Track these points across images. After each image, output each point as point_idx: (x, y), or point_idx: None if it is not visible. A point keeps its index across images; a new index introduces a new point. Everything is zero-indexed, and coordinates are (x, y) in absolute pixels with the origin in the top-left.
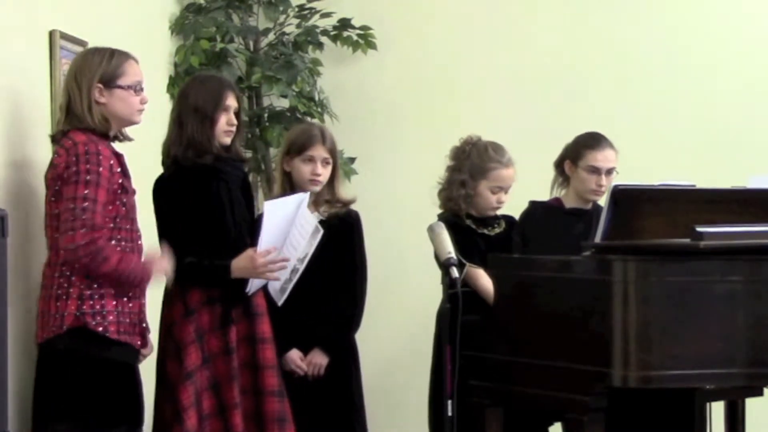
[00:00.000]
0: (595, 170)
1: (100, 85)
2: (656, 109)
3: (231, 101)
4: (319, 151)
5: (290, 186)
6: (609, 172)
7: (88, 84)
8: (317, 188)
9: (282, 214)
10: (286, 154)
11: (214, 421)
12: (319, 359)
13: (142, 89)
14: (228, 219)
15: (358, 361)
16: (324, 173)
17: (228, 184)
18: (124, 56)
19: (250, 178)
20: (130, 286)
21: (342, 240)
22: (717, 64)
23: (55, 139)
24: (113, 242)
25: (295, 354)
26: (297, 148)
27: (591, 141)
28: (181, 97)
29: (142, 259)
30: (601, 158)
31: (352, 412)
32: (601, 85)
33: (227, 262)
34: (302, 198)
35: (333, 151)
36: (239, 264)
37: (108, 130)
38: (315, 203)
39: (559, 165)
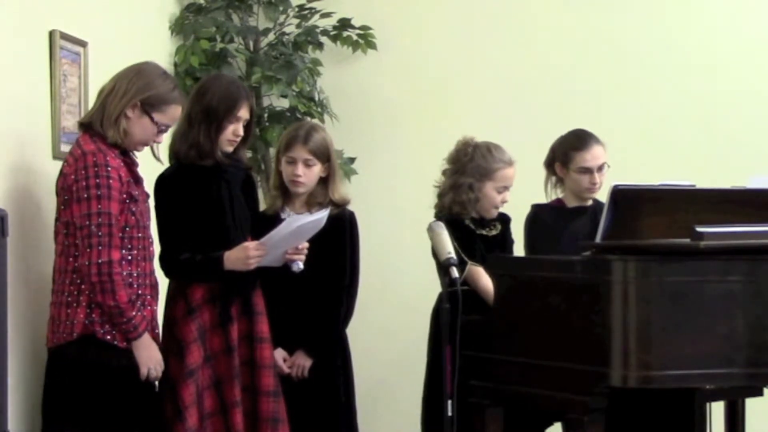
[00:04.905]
0: (587, 170)
1: (138, 102)
2: (656, 109)
3: (243, 113)
4: (300, 152)
5: (281, 185)
6: (600, 168)
7: (132, 95)
8: (299, 189)
9: (295, 229)
10: (277, 154)
11: (216, 419)
12: (302, 361)
13: (166, 131)
14: (228, 218)
15: (349, 360)
16: (306, 174)
17: (229, 184)
18: (180, 98)
19: None
20: (118, 325)
21: (332, 240)
22: (717, 64)
23: (82, 125)
24: (123, 251)
25: (278, 354)
26: (282, 148)
27: (577, 142)
28: (199, 92)
29: (147, 334)
30: (590, 158)
31: (338, 411)
32: (601, 86)
33: (220, 253)
34: (321, 216)
35: (318, 153)
36: (232, 255)
37: (122, 144)
38: (307, 204)
39: (549, 166)
